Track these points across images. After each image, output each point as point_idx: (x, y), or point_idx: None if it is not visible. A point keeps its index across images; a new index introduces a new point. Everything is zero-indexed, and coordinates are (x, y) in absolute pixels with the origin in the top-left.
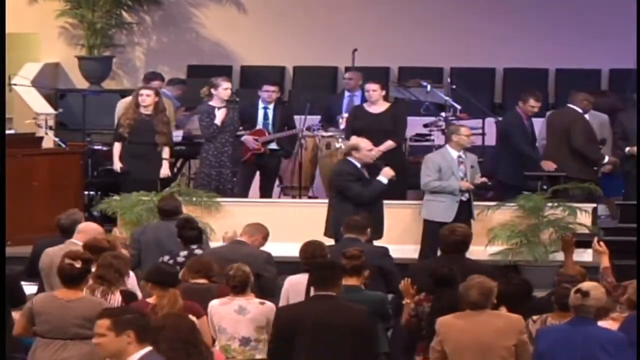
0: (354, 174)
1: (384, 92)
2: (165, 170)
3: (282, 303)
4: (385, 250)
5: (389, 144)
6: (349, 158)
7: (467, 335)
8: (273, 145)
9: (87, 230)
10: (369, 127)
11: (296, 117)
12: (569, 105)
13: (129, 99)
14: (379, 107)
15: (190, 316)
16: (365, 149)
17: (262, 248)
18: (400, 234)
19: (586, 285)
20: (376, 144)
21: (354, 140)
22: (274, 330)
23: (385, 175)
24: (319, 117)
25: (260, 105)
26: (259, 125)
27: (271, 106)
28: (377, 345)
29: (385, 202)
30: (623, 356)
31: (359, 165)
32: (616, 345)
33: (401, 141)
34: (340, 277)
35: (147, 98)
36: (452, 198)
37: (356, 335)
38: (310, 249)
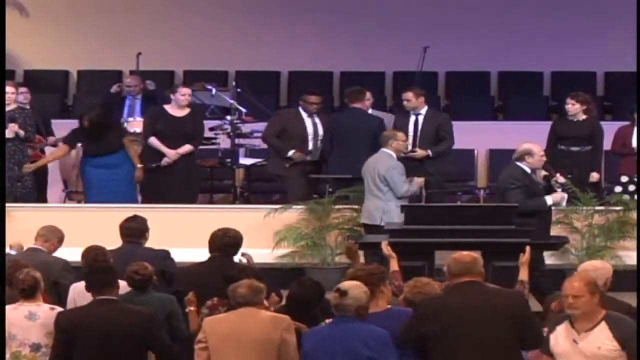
0: (521, 180)
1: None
2: None
3: None
4: (166, 254)
5: (187, 147)
6: (518, 163)
7: (230, 329)
8: None
9: None
10: (170, 130)
11: None
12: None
13: None
14: (181, 110)
15: None
16: (539, 154)
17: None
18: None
19: (346, 284)
20: (175, 147)
21: (527, 145)
22: (55, 336)
23: (554, 199)
24: None
25: None
26: None
27: (27, 108)
28: (164, 347)
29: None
30: (383, 351)
31: (529, 170)
32: (377, 339)
33: (199, 145)
34: (117, 280)
35: None
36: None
37: (142, 338)
38: (92, 254)
